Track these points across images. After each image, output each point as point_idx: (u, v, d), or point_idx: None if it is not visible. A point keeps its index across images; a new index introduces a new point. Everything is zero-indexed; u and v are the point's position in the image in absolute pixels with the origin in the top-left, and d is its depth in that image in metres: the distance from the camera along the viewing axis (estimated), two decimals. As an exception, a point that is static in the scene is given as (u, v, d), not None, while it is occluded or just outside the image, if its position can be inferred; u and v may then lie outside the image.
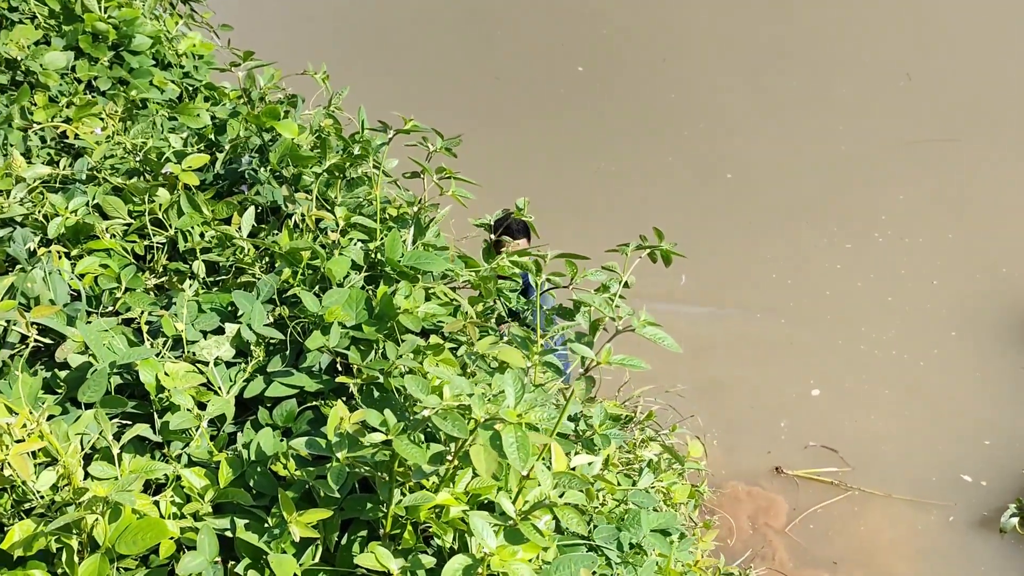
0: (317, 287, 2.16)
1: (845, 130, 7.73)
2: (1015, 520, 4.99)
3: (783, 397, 5.82)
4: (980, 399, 5.67)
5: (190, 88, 3.41)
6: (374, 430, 1.59)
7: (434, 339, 2.10)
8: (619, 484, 2.31)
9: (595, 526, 2.27)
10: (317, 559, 1.74)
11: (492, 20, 9.12)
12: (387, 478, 1.66)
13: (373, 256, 2.27)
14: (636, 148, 7.72)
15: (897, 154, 7.50)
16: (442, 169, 2.38)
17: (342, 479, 1.62)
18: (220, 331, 2.10)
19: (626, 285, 2.27)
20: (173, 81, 3.33)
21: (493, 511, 1.76)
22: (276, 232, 2.43)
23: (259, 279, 2.19)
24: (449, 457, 1.66)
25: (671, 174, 7.49)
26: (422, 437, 1.75)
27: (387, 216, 2.51)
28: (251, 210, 2.29)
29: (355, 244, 2.31)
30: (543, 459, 1.69)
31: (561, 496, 1.58)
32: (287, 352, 2.06)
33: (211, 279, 2.33)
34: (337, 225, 2.29)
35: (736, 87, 8.26)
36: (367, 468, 1.68)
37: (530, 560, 1.71)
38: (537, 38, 8.92)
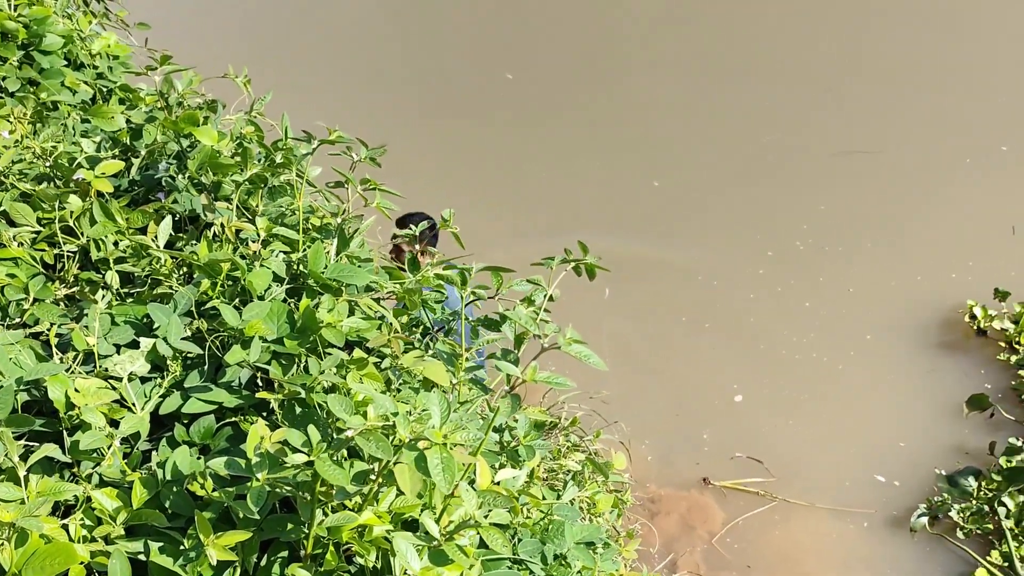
0: (237, 300, 2.10)
1: (770, 140, 7.89)
2: (924, 520, 5.14)
3: (707, 404, 5.90)
4: (894, 401, 5.84)
5: (104, 90, 3.30)
6: (296, 450, 1.55)
7: (358, 353, 2.07)
8: (543, 497, 2.31)
9: (519, 539, 2.26)
10: (237, 582, 1.70)
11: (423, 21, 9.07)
12: (309, 498, 1.62)
13: (295, 268, 2.23)
14: (562, 152, 7.77)
15: (821, 165, 7.68)
16: (367, 180, 2.34)
17: (262, 500, 1.58)
18: (134, 345, 2.03)
19: (551, 299, 2.27)
20: (86, 82, 3.22)
21: (416, 530, 1.74)
22: (195, 242, 2.37)
23: (176, 291, 2.12)
24: (373, 476, 1.64)
25: (600, 182, 7.55)
26: (345, 455, 1.72)
27: (310, 227, 2.46)
28: (168, 219, 2.22)
29: (277, 256, 2.26)
30: (467, 477, 1.68)
31: (487, 516, 1.57)
32: (205, 367, 2.00)
33: (125, 290, 2.25)
34: (258, 236, 2.23)
35: (667, 96, 8.37)
36: (288, 488, 1.65)
37: (455, 578, 1.70)
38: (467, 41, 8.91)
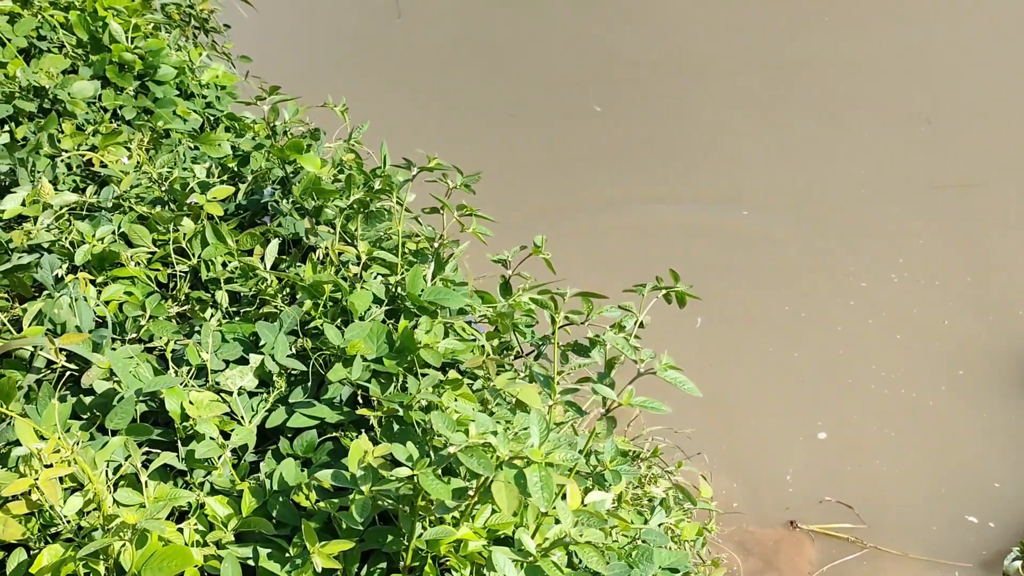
0: (339, 320, 2.19)
1: (866, 173, 7.76)
2: (1018, 564, 4.97)
3: (791, 441, 5.79)
4: (988, 439, 5.66)
5: (212, 118, 3.47)
6: (399, 464, 1.62)
7: (452, 374, 2.13)
8: (632, 521, 2.33)
9: (607, 562, 2.28)
10: (338, 591, 1.76)
11: (508, 55, 9.20)
12: (409, 511, 1.68)
13: (394, 291, 2.31)
14: (652, 186, 7.77)
15: (918, 198, 7.52)
16: (463, 206, 2.42)
17: (366, 511, 1.64)
18: (243, 361, 2.14)
19: (641, 325, 2.31)
20: (195, 111, 3.39)
21: (510, 546, 1.78)
22: (299, 264, 2.47)
23: (281, 311, 2.23)
24: (471, 493, 1.69)
25: (688, 214, 7.52)
26: (440, 472, 1.78)
27: (407, 251, 2.55)
28: (275, 242, 2.33)
29: (376, 278, 2.34)
30: (561, 496, 1.71)
31: (581, 534, 1.61)
32: (308, 383, 2.09)
33: (233, 309, 2.36)
34: (359, 259, 2.32)
35: (752, 127, 8.31)
36: (390, 501, 1.71)
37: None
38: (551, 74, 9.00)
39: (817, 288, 6.76)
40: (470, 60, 9.17)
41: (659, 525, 2.41)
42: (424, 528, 1.72)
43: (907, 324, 6.43)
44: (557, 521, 1.77)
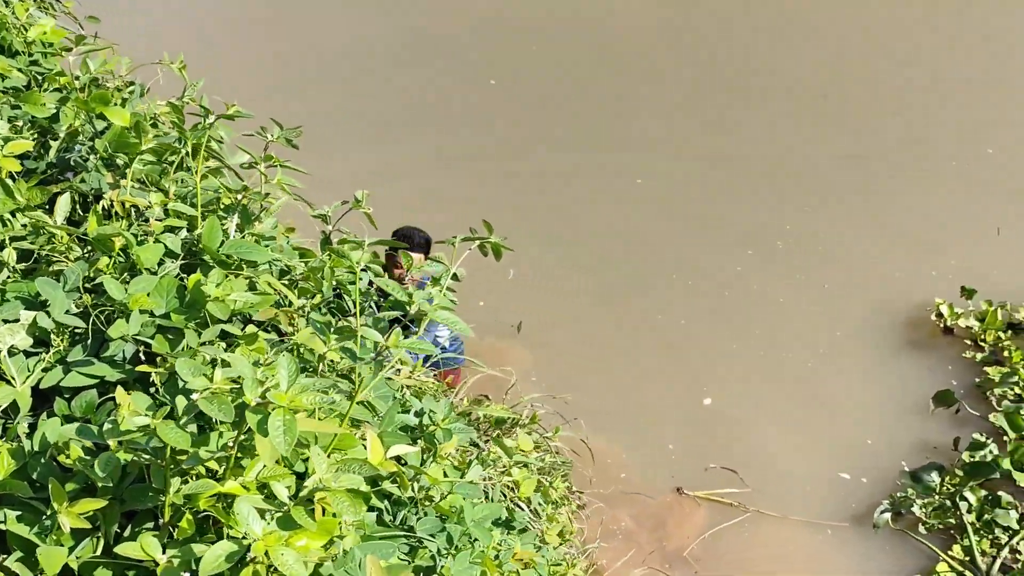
0: (127, 275, 2.09)
1: (756, 142, 7.86)
2: (887, 516, 5.11)
3: (679, 407, 5.86)
4: (862, 398, 5.81)
5: (39, 77, 3.29)
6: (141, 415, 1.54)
7: (250, 328, 2.06)
8: (447, 476, 2.29)
9: (421, 517, 2.25)
10: (99, 551, 1.68)
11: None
12: (163, 465, 1.61)
13: (194, 245, 2.22)
14: (550, 153, 7.75)
15: (807, 167, 7.65)
16: (269, 157, 2.33)
17: (111, 466, 1.56)
18: (22, 320, 2.02)
19: (455, 277, 2.26)
20: (20, 69, 3.21)
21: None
22: (105, 221, 2.35)
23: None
24: (231, 443, 1.62)
25: (585, 182, 7.52)
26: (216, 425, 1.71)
27: (221, 206, 2.45)
28: (66, 196, 2.21)
29: (178, 233, 2.25)
30: (326, 446, 1.66)
31: (337, 481, 1.55)
32: (89, 341, 1.99)
33: (23, 266, 2.24)
34: (153, 211, 2.22)
35: (657, 106, 8.33)
36: (146, 456, 1.63)
37: (325, 547, 1.68)
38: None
39: (705, 255, 6.84)
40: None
41: (478, 479, 2.37)
42: (186, 483, 1.65)
43: (790, 288, 6.56)
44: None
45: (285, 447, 1.44)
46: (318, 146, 6.69)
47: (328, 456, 1.86)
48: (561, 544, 4.19)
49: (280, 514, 1.52)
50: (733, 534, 5.22)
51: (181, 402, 1.63)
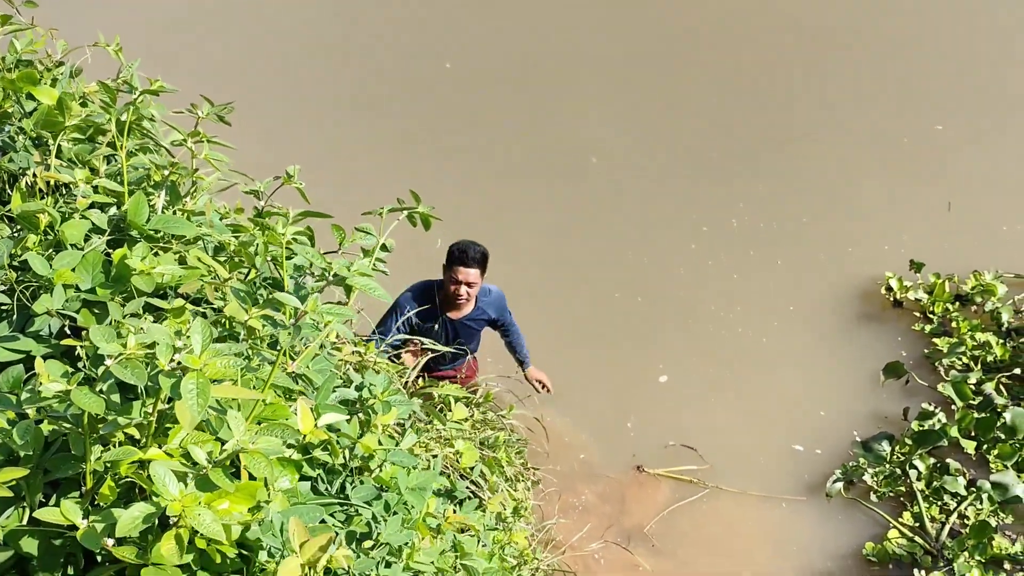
0: (51, 251, 2.09)
1: (708, 126, 7.90)
2: (839, 485, 5.21)
3: (636, 385, 5.91)
4: (814, 372, 5.91)
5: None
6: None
7: (178, 301, 2.07)
8: (382, 445, 2.31)
9: (356, 485, 2.28)
10: (25, 521, 1.69)
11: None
12: (82, 433, 1.62)
13: (122, 221, 2.22)
14: (501, 131, 7.75)
15: (757, 147, 7.71)
16: (196, 132, 2.34)
17: (29, 434, 1.57)
18: (-56, 300, 2.02)
19: (385, 247, 2.29)
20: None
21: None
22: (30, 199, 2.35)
23: (-4, 246, 2.11)
24: (149, 409, 1.64)
25: (539, 158, 7.53)
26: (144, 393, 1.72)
27: (151, 183, 2.45)
28: (-9, 174, 2.20)
29: (106, 210, 2.25)
30: (257, 415, 1.68)
31: (254, 443, 1.57)
32: (14, 317, 1.99)
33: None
34: (77, 187, 2.22)
35: (611, 85, 8.34)
36: (67, 424, 1.64)
37: (252, 512, 1.71)
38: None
39: (660, 233, 6.90)
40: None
41: (412, 448, 2.40)
42: (109, 450, 1.66)
43: (744, 265, 6.64)
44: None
45: (198, 410, 1.45)
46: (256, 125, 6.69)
47: (260, 426, 1.89)
48: (512, 516, 4.25)
49: (198, 477, 1.54)
50: (692, 510, 5.29)
51: (103, 372, 1.65)
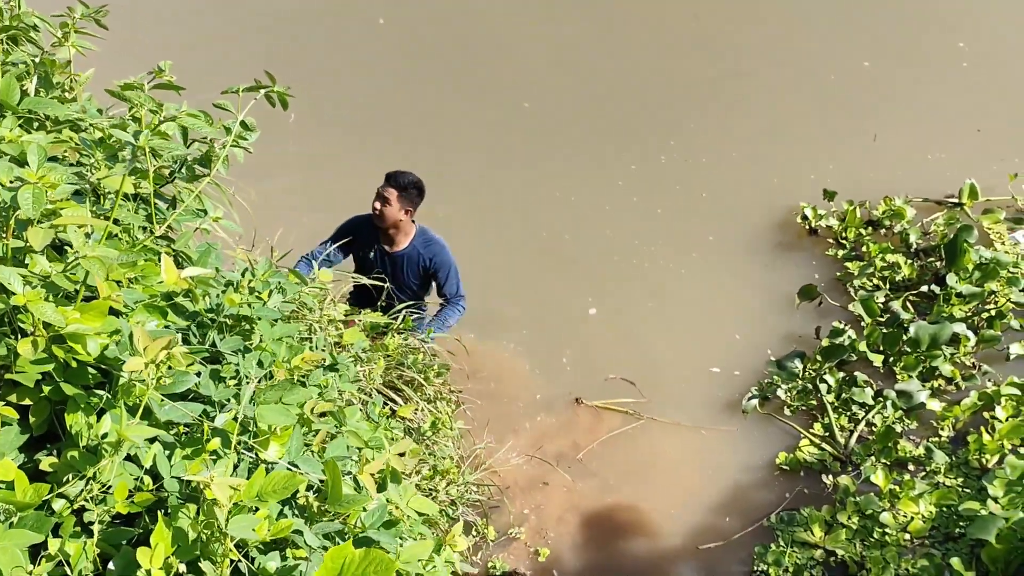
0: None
1: (639, 66, 8.11)
2: (755, 402, 5.45)
3: (566, 318, 6.08)
4: (733, 298, 6.13)
5: None
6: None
7: (49, 165, 2.24)
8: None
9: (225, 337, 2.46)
10: None
11: None
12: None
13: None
14: (441, 82, 7.92)
15: (691, 87, 7.93)
16: (65, 25, 2.50)
17: None
18: None
19: (245, 125, 2.46)
20: None
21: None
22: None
23: None
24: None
25: (472, 101, 7.71)
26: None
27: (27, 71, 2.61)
28: None
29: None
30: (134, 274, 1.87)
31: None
32: None
33: None
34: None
35: (541, 33, 8.52)
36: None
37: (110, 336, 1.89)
38: None
39: (589, 172, 7.10)
40: None
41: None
42: None
43: (669, 199, 6.85)
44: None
45: (35, 212, 1.63)
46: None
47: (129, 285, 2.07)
48: (431, 431, 4.44)
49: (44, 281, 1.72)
50: (625, 440, 5.43)
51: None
